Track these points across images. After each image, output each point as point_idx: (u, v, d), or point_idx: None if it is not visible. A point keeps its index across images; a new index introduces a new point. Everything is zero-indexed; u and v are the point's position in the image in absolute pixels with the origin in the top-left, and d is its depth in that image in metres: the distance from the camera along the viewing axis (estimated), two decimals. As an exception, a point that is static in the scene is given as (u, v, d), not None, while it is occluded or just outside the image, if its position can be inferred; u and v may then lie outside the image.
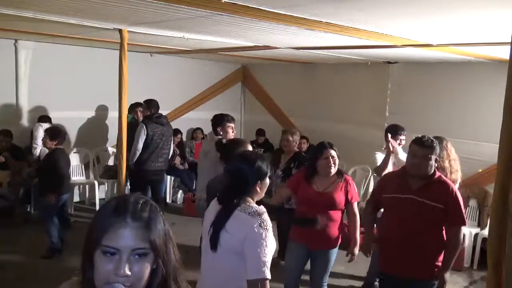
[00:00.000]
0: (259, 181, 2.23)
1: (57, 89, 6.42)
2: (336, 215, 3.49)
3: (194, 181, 7.68)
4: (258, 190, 2.25)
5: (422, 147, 2.94)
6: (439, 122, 6.13)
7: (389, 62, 6.69)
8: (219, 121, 4.43)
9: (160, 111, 5.91)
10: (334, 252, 3.54)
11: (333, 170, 3.48)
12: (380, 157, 4.45)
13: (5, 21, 4.22)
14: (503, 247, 1.97)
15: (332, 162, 3.47)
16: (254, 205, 2.18)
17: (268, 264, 2.03)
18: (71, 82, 6.58)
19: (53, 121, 6.09)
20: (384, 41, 4.17)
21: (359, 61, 6.63)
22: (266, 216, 2.11)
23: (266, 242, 2.03)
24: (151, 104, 5.94)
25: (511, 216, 1.91)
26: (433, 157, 2.94)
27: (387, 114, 6.85)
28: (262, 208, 2.16)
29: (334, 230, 3.48)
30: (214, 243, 2.13)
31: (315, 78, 7.91)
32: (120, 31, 4.23)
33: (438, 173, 3.02)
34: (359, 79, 7.21)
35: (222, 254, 2.13)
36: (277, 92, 8.53)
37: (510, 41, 2.07)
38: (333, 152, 3.49)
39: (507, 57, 2.03)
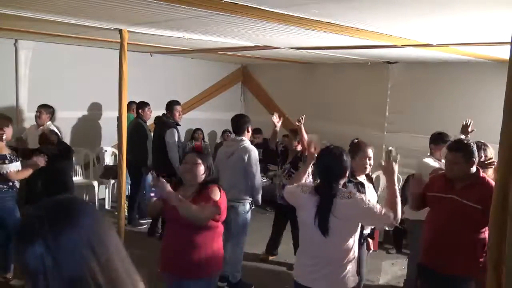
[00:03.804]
0: (347, 171, 2.66)
1: (57, 89, 6.41)
2: (200, 237, 2.82)
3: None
4: (346, 177, 2.70)
5: (450, 151, 3.07)
6: (439, 122, 6.11)
7: (389, 62, 6.69)
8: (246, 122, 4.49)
9: (159, 111, 5.94)
10: (199, 285, 2.87)
11: (192, 178, 2.88)
12: (427, 165, 4.14)
13: (5, 21, 4.22)
14: (503, 247, 1.97)
15: (191, 169, 2.88)
16: (343, 189, 2.63)
17: (382, 209, 2.55)
18: (71, 82, 6.57)
19: (53, 121, 6.09)
20: (384, 41, 4.17)
21: (359, 61, 6.63)
22: (355, 191, 2.64)
23: (371, 204, 2.54)
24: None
25: (511, 216, 1.92)
26: (464, 159, 2.99)
27: (387, 114, 6.86)
28: (349, 187, 2.70)
29: (197, 257, 2.81)
30: (325, 229, 2.50)
31: (315, 78, 7.90)
32: (120, 31, 4.23)
33: (483, 174, 3.08)
34: (359, 79, 7.21)
35: (333, 236, 2.52)
36: (277, 92, 8.52)
37: (510, 41, 2.07)
38: (195, 158, 2.92)
39: (507, 57, 2.03)
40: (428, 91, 6.33)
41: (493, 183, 3.00)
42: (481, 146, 4.11)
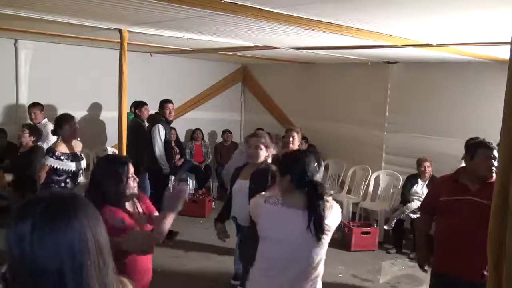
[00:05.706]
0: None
1: (57, 89, 6.42)
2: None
3: (194, 180, 7.68)
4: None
5: (494, 149, 2.91)
6: (439, 122, 6.13)
7: (389, 62, 6.69)
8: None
9: (158, 111, 6.01)
10: None
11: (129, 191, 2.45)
12: None
13: (5, 21, 4.22)
14: (503, 247, 1.97)
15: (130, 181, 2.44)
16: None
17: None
18: (71, 82, 6.58)
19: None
20: (384, 41, 4.17)
21: (359, 61, 6.63)
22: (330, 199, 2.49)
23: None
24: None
25: (511, 216, 1.91)
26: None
27: (387, 114, 6.85)
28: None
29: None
30: (321, 233, 2.36)
31: (315, 78, 7.90)
32: (120, 31, 4.23)
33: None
34: (359, 79, 7.21)
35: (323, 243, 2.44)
36: (277, 92, 8.53)
37: (510, 41, 2.07)
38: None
39: (507, 57, 2.03)
40: (428, 91, 6.33)
41: None
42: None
